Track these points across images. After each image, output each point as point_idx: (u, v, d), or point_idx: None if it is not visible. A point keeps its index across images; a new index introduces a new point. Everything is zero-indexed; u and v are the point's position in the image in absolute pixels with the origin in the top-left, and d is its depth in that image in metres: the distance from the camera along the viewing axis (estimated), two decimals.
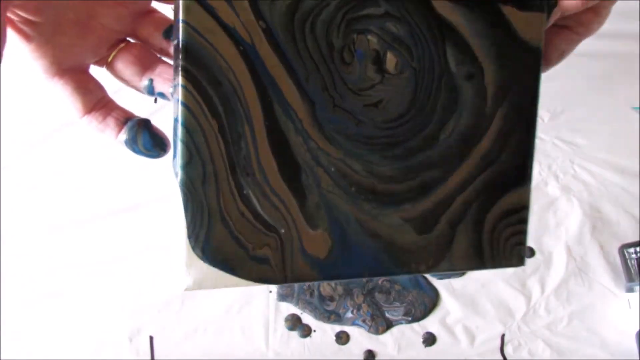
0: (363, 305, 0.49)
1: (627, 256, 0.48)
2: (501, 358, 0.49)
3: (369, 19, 0.40)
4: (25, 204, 0.52)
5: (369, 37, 0.39)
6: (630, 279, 0.47)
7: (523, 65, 0.42)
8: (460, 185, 0.41)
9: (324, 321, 0.49)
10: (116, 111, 0.34)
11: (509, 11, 0.41)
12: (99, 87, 0.33)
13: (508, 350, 0.49)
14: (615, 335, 0.48)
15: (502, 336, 0.49)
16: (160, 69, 0.34)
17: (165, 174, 0.52)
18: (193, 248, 0.37)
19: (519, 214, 0.42)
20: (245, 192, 0.37)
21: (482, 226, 0.41)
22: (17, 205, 0.52)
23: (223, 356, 0.49)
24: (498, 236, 0.41)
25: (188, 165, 0.36)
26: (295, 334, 0.49)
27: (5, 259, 0.51)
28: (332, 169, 0.39)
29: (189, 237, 0.37)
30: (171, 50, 0.36)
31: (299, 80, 0.39)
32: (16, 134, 0.54)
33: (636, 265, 0.47)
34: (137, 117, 0.34)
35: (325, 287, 0.50)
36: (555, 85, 0.53)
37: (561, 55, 0.42)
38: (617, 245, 0.49)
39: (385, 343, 0.49)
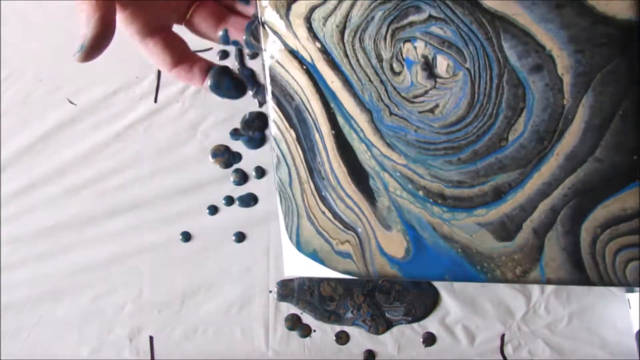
0: (363, 305, 0.49)
1: None
2: (501, 358, 0.49)
3: (414, 25, 0.39)
4: (25, 203, 0.52)
5: (416, 44, 0.38)
6: None
7: (611, 45, 0.36)
8: (542, 189, 0.37)
9: (324, 321, 0.49)
10: (200, 62, 0.37)
11: None
12: (183, 43, 0.38)
13: (508, 350, 0.49)
14: (615, 335, 0.48)
15: (502, 336, 0.49)
16: (232, 20, 0.38)
17: (166, 174, 0.52)
18: (290, 238, 0.41)
19: (629, 223, 0.36)
20: (323, 193, 0.40)
21: (577, 237, 0.36)
22: (17, 205, 0.52)
23: (223, 356, 0.49)
24: (602, 249, 0.36)
25: (278, 169, 0.41)
26: (295, 334, 0.49)
27: (5, 259, 0.51)
28: (397, 174, 0.39)
29: (286, 228, 0.41)
30: (238, 7, 0.40)
31: (355, 92, 0.40)
32: (16, 134, 0.54)
33: None
34: (218, 64, 0.38)
35: (325, 287, 0.50)
36: None
37: None
38: None
39: (385, 343, 0.49)
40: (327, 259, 0.41)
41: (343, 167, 0.40)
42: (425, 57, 0.38)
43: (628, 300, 0.47)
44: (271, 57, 0.40)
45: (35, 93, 0.54)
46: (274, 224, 0.52)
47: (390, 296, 0.49)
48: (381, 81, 0.39)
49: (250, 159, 0.52)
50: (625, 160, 0.36)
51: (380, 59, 0.39)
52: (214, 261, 0.51)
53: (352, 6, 0.39)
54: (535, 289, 0.49)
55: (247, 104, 0.52)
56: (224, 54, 0.53)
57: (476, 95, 0.38)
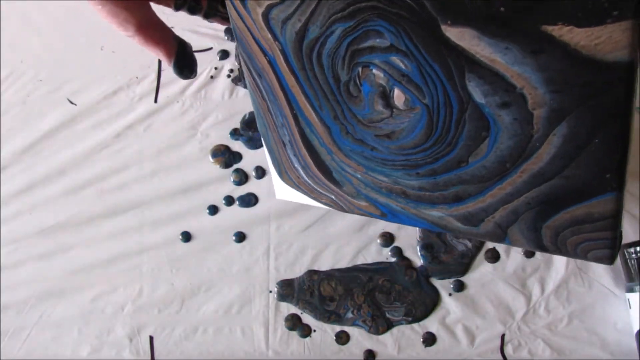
0: (363, 305, 0.49)
1: (627, 256, 0.48)
2: (501, 358, 0.49)
3: (374, 51, 0.37)
4: (25, 203, 0.52)
5: (375, 71, 0.37)
6: (630, 279, 0.47)
7: (595, 85, 0.34)
8: (503, 198, 0.38)
9: (324, 321, 0.49)
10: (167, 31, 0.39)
11: (560, 32, 0.33)
12: (149, 9, 0.38)
13: (508, 350, 0.49)
14: (615, 335, 0.48)
15: (502, 336, 0.49)
16: None
17: (166, 174, 0.52)
18: (278, 173, 0.43)
19: (594, 225, 0.37)
20: (295, 166, 0.42)
21: (539, 232, 0.38)
22: (17, 205, 0.52)
23: (223, 356, 0.49)
24: (563, 242, 0.38)
25: (258, 118, 0.41)
26: (295, 334, 0.49)
27: (6, 259, 0.51)
28: (359, 176, 0.40)
29: (272, 163, 0.42)
30: None
31: (313, 105, 0.40)
32: (16, 134, 0.54)
33: (636, 265, 0.47)
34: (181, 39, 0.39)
35: (326, 287, 0.50)
36: None
37: None
38: None
39: (385, 343, 0.49)
40: (313, 196, 0.43)
41: (309, 158, 0.41)
42: (383, 87, 0.37)
43: (628, 300, 0.47)
44: (237, 27, 0.39)
45: (35, 93, 0.54)
46: (274, 224, 0.52)
47: (391, 296, 0.49)
48: (337, 101, 0.38)
49: (250, 159, 0.52)
50: (597, 179, 0.36)
51: (337, 79, 0.38)
52: (214, 261, 0.51)
53: (312, 14, 0.37)
54: (535, 289, 0.49)
55: (247, 104, 0.52)
56: (224, 54, 0.53)
57: (434, 128, 0.37)
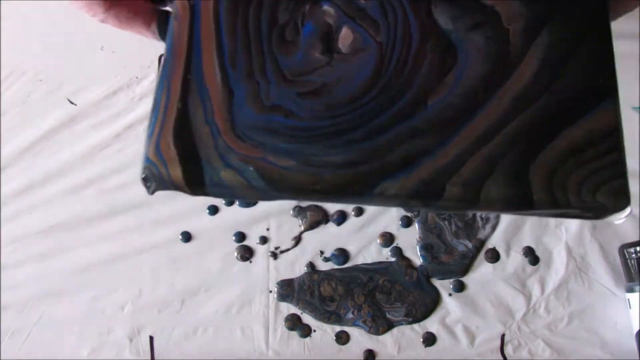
0: (364, 305, 0.49)
1: (627, 256, 0.48)
2: (501, 358, 0.49)
3: None
4: (25, 203, 0.52)
5: (325, 7, 0.32)
6: (630, 279, 0.47)
7: None
8: (474, 143, 0.30)
9: (324, 321, 0.49)
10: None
11: None
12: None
13: (508, 350, 0.49)
14: (615, 335, 0.48)
15: (502, 336, 0.49)
16: None
17: None
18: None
19: (600, 147, 0.31)
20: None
21: (526, 180, 0.29)
22: (17, 205, 0.52)
23: (223, 356, 0.49)
24: (562, 184, 0.29)
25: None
26: (295, 334, 0.49)
27: (6, 259, 0.51)
28: (250, 169, 0.30)
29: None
30: None
31: (224, 61, 0.32)
32: (16, 134, 0.54)
33: (636, 265, 0.47)
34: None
35: (326, 287, 0.50)
36: None
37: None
38: (617, 245, 0.49)
39: (385, 343, 0.49)
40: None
41: (174, 152, 0.33)
42: (329, 26, 0.32)
43: (628, 300, 0.47)
44: None
45: (35, 93, 0.54)
46: (274, 224, 0.52)
47: (391, 296, 0.49)
48: (262, 52, 0.31)
49: None
50: (589, 86, 0.32)
51: (274, 21, 0.32)
52: (214, 261, 0.51)
53: None
54: (535, 289, 0.49)
55: None
56: None
57: (384, 69, 0.31)
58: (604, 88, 0.32)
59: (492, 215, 0.49)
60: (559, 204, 0.29)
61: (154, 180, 0.33)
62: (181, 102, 0.32)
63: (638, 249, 0.47)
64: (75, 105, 0.54)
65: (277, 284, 0.50)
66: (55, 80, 0.54)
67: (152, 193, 0.35)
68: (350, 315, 0.49)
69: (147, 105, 0.53)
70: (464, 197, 0.29)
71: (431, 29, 0.32)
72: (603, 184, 0.30)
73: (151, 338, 0.50)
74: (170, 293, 0.50)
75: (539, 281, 0.50)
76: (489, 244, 0.50)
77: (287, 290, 0.50)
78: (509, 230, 0.50)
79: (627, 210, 0.29)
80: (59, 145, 0.53)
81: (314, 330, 0.49)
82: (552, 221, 0.51)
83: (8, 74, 0.54)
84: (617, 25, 0.54)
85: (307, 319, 0.49)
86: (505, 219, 0.50)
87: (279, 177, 0.30)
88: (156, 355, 0.49)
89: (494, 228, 0.50)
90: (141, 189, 0.52)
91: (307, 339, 0.49)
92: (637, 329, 0.46)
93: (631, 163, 0.51)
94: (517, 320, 0.49)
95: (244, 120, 0.31)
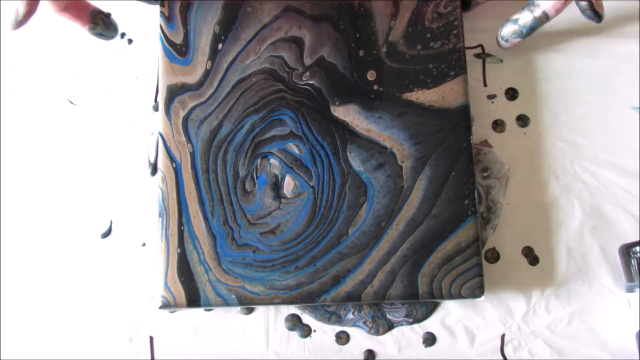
0: (364, 306, 0.49)
1: (627, 256, 0.48)
2: (501, 358, 0.49)
3: (274, 140, 0.45)
4: (25, 204, 0.52)
5: (272, 160, 0.45)
6: (630, 279, 0.47)
7: (446, 129, 0.45)
8: (381, 259, 0.44)
9: (325, 322, 0.49)
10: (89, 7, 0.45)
11: (417, 95, 0.45)
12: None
13: (508, 350, 0.49)
14: (615, 335, 0.48)
15: (502, 336, 0.49)
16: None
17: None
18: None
19: (464, 254, 0.44)
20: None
21: (415, 284, 0.44)
22: (17, 205, 0.52)
23: (223, 356, 0.49)
24: (438, 286, 0.44)
25: (162, 183, 0.46)
26: (295, 334, 0.49)
27: (6, 259, 0.51)
28: (233, 296, 0.44)
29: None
30: None
31: (205, 213, 0.44)
32: (16, 134, 0.54)
33: (636, 265, 0.47)
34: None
35: None
36: (555, 85, 0.53)
37: None
38: (617, 245, 0.49)
39: (385, 343, 0.49)
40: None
41: (179, 287, 0.45)
42: (276, 176, 0.44)
43: (628, 300, 0.47)
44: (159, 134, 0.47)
45: (35, 93, 0.54)
46: None
47: None
48: (231, 202, 0.44)
49: None
50: (459, 208, 0.44)
51: (236, 176, 0.44)
52: None
53: (229, 110, 0.45)
54: (535, 289, 0.49)
55: None
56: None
57: (317, 209, 0.44)
58: (468, 207, 0.44)
59: (492, 216, 0.50)
60: (436, 297, 0.44)
61: (168, 304, 0.46)
62: (180, 248, 0.45)
63: (638, 249, 0.47)
64: (75, 105, 0.54)
65: None
66: (56, 81, 0.54)
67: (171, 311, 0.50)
68: (350, 316, 0.49)
69: (147, 105, 0.53)
70: (375, 297, 0.44)
71: (348, 172, 0.44)
72: (466, 282, 0.44)
73: (151, 338, 0.50)
74: None
75: (539, 281, 0.50)
76: (489, 244, 0.50)
77: None
78: (509, 230, 0.50)
79: (482, 298, 0.45)
80: (59, 146, 0.53)
81: (314, 331, 0.49)
82: (552, 221, 0.51)
83: (8, 74, 0.54)
84: (617, 25, 0.54)
85: (307, 319, 0.49)
86: (506, 219, 0.50)
87: (251, 300, 0.45)
88: (156, 355, 0.49)
89: (494, 228, 0.50)
90: (141, 189, 0.52)
91: (307, 339, 0.49)
92: (637, 329, 0.46)
93: (631, 163, 0.52)
94: (517, 320, 0.49)
95: (226, 257, 0.44)
